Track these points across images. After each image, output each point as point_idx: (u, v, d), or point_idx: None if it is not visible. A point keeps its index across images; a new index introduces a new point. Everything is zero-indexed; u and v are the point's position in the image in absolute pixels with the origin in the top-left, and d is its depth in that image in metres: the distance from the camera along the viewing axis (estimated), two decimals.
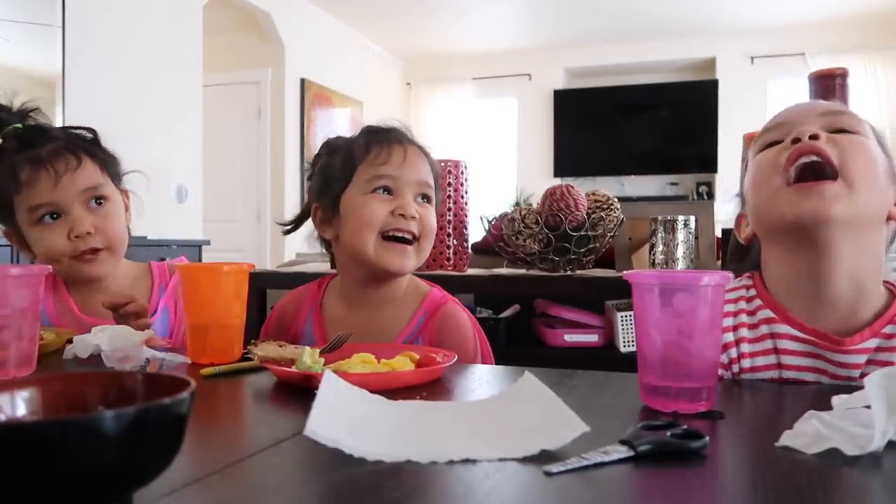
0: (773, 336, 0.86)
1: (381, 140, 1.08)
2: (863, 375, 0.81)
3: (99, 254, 1.19)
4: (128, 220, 1.28)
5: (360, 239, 1.04)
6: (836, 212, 0.78)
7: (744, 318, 0.88)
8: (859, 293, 0.82)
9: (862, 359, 0.81)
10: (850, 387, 0.73)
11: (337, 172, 1.08)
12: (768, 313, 0.87)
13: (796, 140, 0.82)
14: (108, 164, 1.23)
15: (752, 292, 0.90)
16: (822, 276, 0.81)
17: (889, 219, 0.85)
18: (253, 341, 0.90)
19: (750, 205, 0.89)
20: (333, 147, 1.13)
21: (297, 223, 1.21)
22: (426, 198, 1.09)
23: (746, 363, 0.87)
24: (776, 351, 0.86)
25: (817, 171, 0.80)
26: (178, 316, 1.27)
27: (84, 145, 1.21)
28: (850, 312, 0.82)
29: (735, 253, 1.36)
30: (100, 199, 1.19)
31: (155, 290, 1.28)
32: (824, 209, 0.78)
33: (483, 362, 1.08)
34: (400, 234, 1.04)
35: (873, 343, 0.81)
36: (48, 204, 1.15)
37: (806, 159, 0.80)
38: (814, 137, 0.80)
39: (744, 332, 0.87)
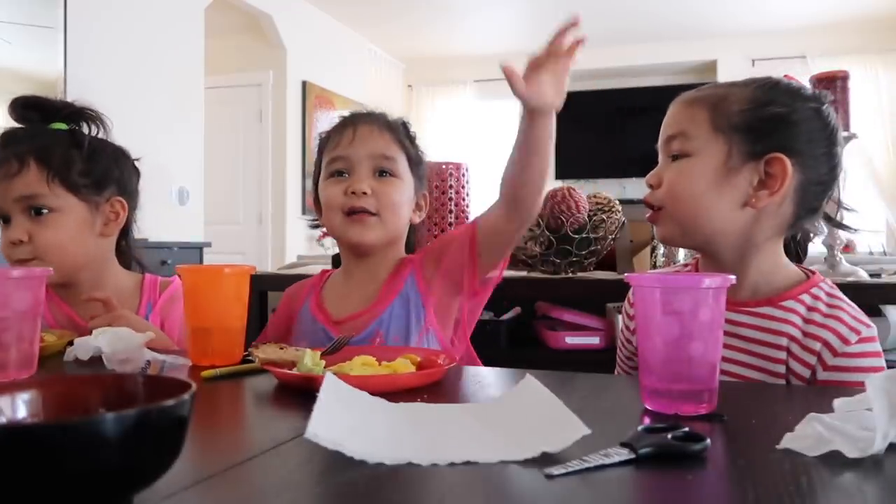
0: None
1: (338, 127, 1.17)
2: (800, 334, 0.87)
3: (30, 266, 1.11)
4: (107, 232, 1.20)
5: (328, 220, 1.13)
6: None
7: None
8: (767, 284, 0.93)
9: (791, 316, 0.89)
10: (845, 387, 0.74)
11: (316, 165, 1.20)
12: None
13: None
14: (66, 172, 1.14)
15: (688, 269, 1.07)
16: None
17: (746, 205, 0.91)
18: (254, 343, 0.90)
19: None
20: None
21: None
22: (386, 171, 1.12)
23: None
24: None
25: None
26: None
27: (39, 149, 1.13)
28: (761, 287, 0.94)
29: None
30: (39, 209, 1.13)
31: (142, 308, 1.23)
32: None
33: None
34: (356, 211, 1.10)
35: (807, 299, 0.90)
36: None
37: None
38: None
39: None
